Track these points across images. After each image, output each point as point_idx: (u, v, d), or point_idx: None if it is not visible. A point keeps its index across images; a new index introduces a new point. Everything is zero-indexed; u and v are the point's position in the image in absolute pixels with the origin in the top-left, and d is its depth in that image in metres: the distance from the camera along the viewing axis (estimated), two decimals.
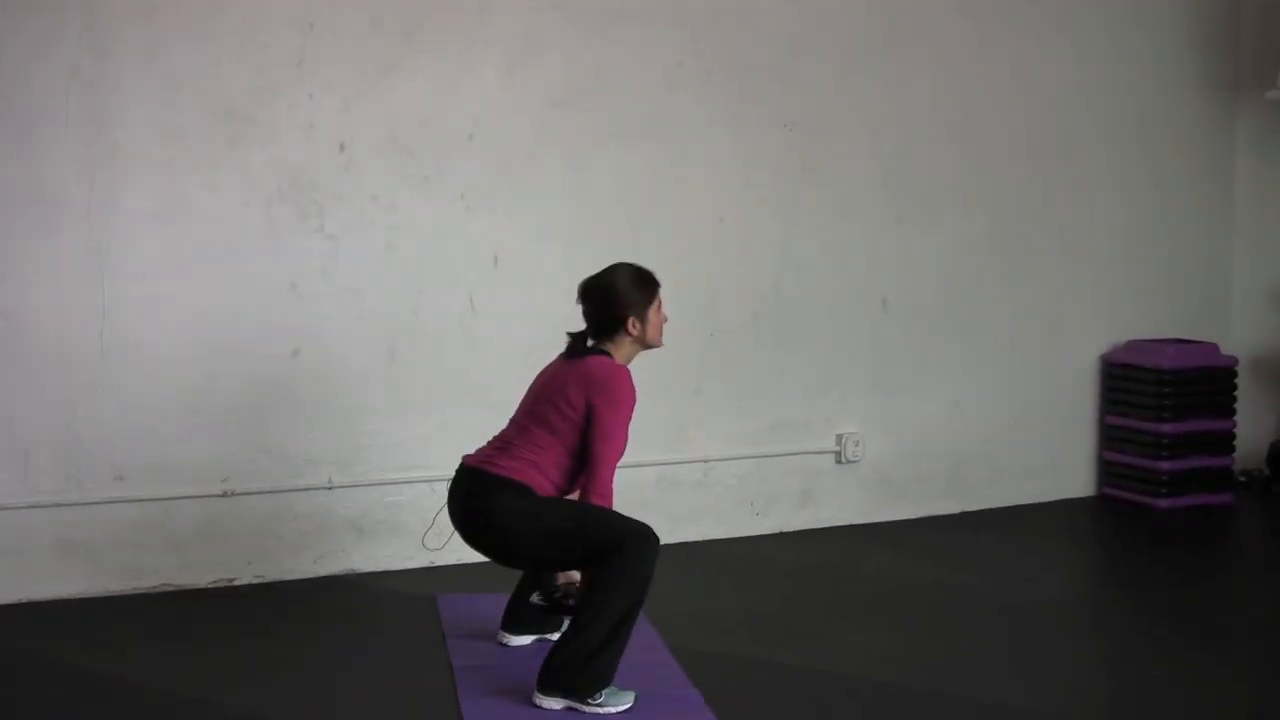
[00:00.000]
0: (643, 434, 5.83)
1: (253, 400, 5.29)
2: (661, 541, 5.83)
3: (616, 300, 4.26)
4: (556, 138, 5.65)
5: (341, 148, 5.36)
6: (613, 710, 4.05)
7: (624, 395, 4.18)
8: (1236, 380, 6.84)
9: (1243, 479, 7.00)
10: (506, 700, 4.14)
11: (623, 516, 4.14)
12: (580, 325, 4.38)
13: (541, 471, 4.16)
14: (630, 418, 4.21)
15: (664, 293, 5.85)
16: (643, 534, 4.07)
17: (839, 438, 6.31)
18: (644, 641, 4.64)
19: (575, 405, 4.15)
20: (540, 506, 4.13)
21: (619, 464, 4.21)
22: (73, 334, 5.04)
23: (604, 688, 4.05)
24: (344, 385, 5.42)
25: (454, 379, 5.50)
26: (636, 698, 4.10)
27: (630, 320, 4.26)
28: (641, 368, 5.78)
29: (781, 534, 6.17)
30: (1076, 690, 4.39)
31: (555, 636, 4.45)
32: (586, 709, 4.04)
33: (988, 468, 6.65)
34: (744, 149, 6.06)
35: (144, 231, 5.12)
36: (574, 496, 4.26)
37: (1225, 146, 7.20)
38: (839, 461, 6.32)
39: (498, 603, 4.86)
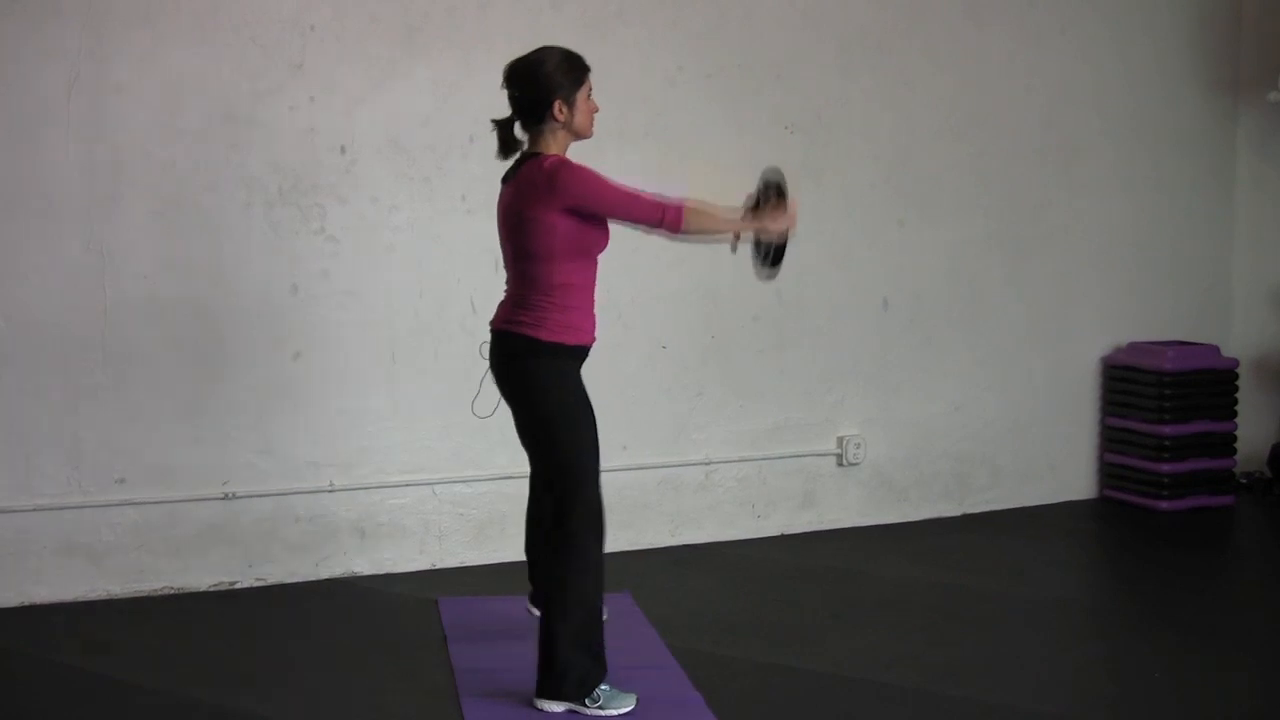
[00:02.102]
0: (644, 436, 5.88)
1: (254, 403, 5.29)
2: (663, 544, 5.89)
3: (542, 82, 4.02)
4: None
5: (342, 150, 5.36)
6: (613, 713, 4.04)
7: (577, 176, 3.97)
8: (1238, 382, 6.84)
9: (1244, 481, 6.99)
10: (508, 703, 4.13)
11: (594, 485, 4.06)
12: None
13: (560, 307, 4.03)
14: (601, 177, 4.00)
15: (664, 295, 5.89)
16: (587, 510, 4.02)
17: (840, 440, 6.31)
18: (645, 644, 4.64)
19: (541, 219, 3.97)
20: (559, 397, 4.04)
21: (642, 192, 4.03)
22: (74, 336, 5.05)
23: (596, 684, 4.04)
24: (345, 388, 5.42)
25: (455, 381, 5.49)
26: (637, 700, 4.10)
27: (557, 104, 4.03)
28: (642, 370, 5.81)
29: (783, 536, 6.17)
30: (1078, 692, 4.39)
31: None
32: (587, 711, 4.04)
33: (989, 470, 6.65)
34: (745, 151, 6.04)
35: (145, 233, 5.12)
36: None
37: (1226, 148, 7.20)
38: (840, 464, 6.32)
39: (499, 605, 4.88)
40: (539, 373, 4.05)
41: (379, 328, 5.46)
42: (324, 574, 5.41)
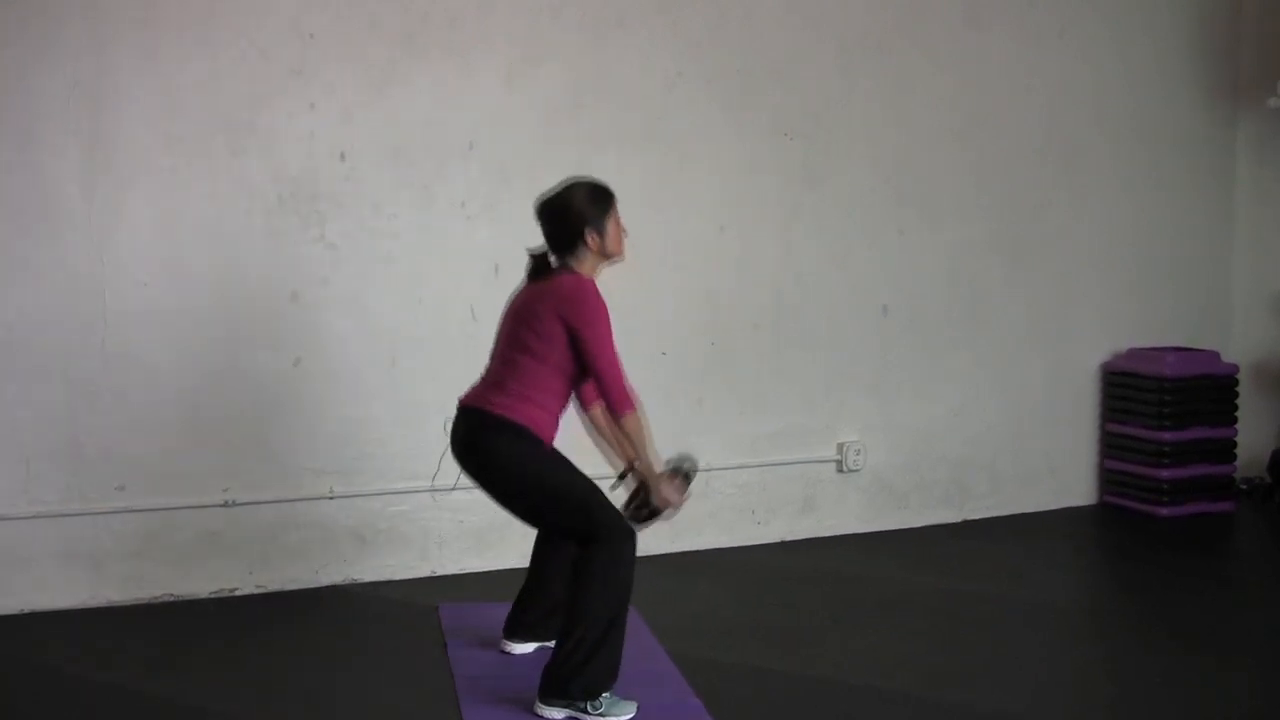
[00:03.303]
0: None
1: (254, 410, 5.29)
2: (664, 550, 5.88)
3: (573, 215, 4.25)
4: (557, 146, 5.66)
5: (342, 156, 5.37)
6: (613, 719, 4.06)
7: (595, 308, 4.16)
8: (1238, 388, 6.84)
9: (1244, 487, 7.00)
10: (508, 710, 4.13)
11: (606, 506, 4.15)
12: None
13: (536, 404, 4.18)
14: (609, 326, 4.18)
15: (664, 302, 5.90)
16: (622, 532, 4.12)
17: (840, 446, 6.31)
18: (645, 649, 4.64)
19: (550, 325, 4.15)
20: (535, 456, 4.17)
21: (622, 367, 4.21)
22: (74, 343, 5.05)
23: (603, 692, 4.06)
24: (345, 394, 5.42)
25: (455, 388, 5.46)
26: (638, 708, 4.10)
27: (589, 233, 4.24)
28: (643, 374, 5.79)
29: (783, 542, 6.17)
30: (1078, 697, 4.39)
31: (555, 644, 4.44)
32: (588, 717, 4.05)
33: (989, 476, 6.66)
34: (744, 157, 6.07)
35: (145, 240, 5.12)
36: (599, 411, 4.39)
37: (1226, 154, 7.21)
38: (840, 470, 6.33)
39: (499, 612, 4.86)
40: (507, 443, 4.17)
41: (379, 334, 5.46)
42: (324, 581, 5.41)
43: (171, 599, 5.20)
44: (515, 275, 5.59)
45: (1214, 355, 6.83)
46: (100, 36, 5.00)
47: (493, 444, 4.18)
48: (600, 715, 4.05)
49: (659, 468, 4.31)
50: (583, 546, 4.13)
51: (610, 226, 4.29)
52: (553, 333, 4.15)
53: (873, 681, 4.42)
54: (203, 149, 5.17)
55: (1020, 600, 5.35)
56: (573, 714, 4.07)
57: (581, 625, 4.02)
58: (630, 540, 4.13)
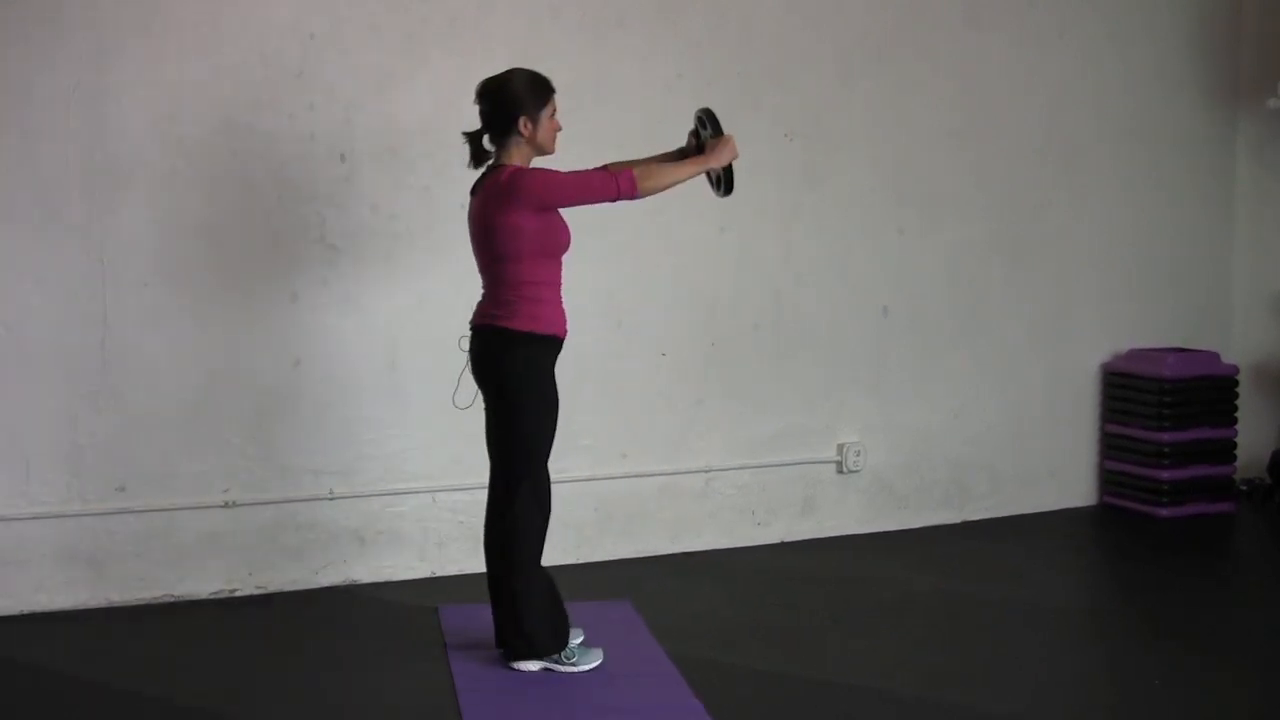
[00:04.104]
0: (644, 443, 5.88)
1: (254, 411, 5.30)
2: (664, 551, 5.88)
3: (509, 98, 4.33)
4: (556, 147, 5.65)
5: (342, 158, 5.37)
6: (585, 667, 4.41)
7: (537, 178, 4.28)
8: (1238, 389, 6.84)
9: (1244, 488, 6.99)
10: (509, 711, 4.13)
11: (536, 457, 4.42)
12: None
13: (532, 300, 4.34)
14: (556, 174, 4.31)
15: (664, 303, 5.89)
16: (532, 488, 4.39)
17: (840, 447, 6.31)
18: (645, 651, 4.64)
19: (506, 223, 4.27)
20: (534, 379, 4.37)
21: (590, 175, 4.37)
22: (74, 344, 5.05)
23: (556, 631, 4.40)
24: (345, 395, 5.42)
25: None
26: (636, 705, 4.21)
27: (522, 120, 4.33)
28: (642, 378, 5.81)
29: (783, 544, 6.17)
30: (1078, 698, 4.39)
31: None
32: (561, 669, 4.40)
33: (989, 477, 6.66)
34: (744, 158, 6.01)
35: (145, 241, 5.12)
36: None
37: (1226, 155, 7.21)
38: (840, 471, 6.32)
39: None
40: (515, 362, 4.36)
41: (378, 335, 5.46)
42: (324, 582, 5.41)
43: (171, 599, 5.20)
44: None
45: (1214, 356, 6.83)
46: (101, 37, 5.00)
47: (504, 363, 4.37)
48: (574, 664, 4.40)
49: (692, 156, 4.51)
50: (506, 497, 4.41)
51: (545, 119, 4.37)
52: (511, 229, 4.27)
53: (873, 682, 4.42)
54: (203, 149, 5.17)
55: (1020, 601, 5.35)
56: (546, 665, 4.42)
57: (510, 589, 4.40)
58: (537, 499, 4.40)
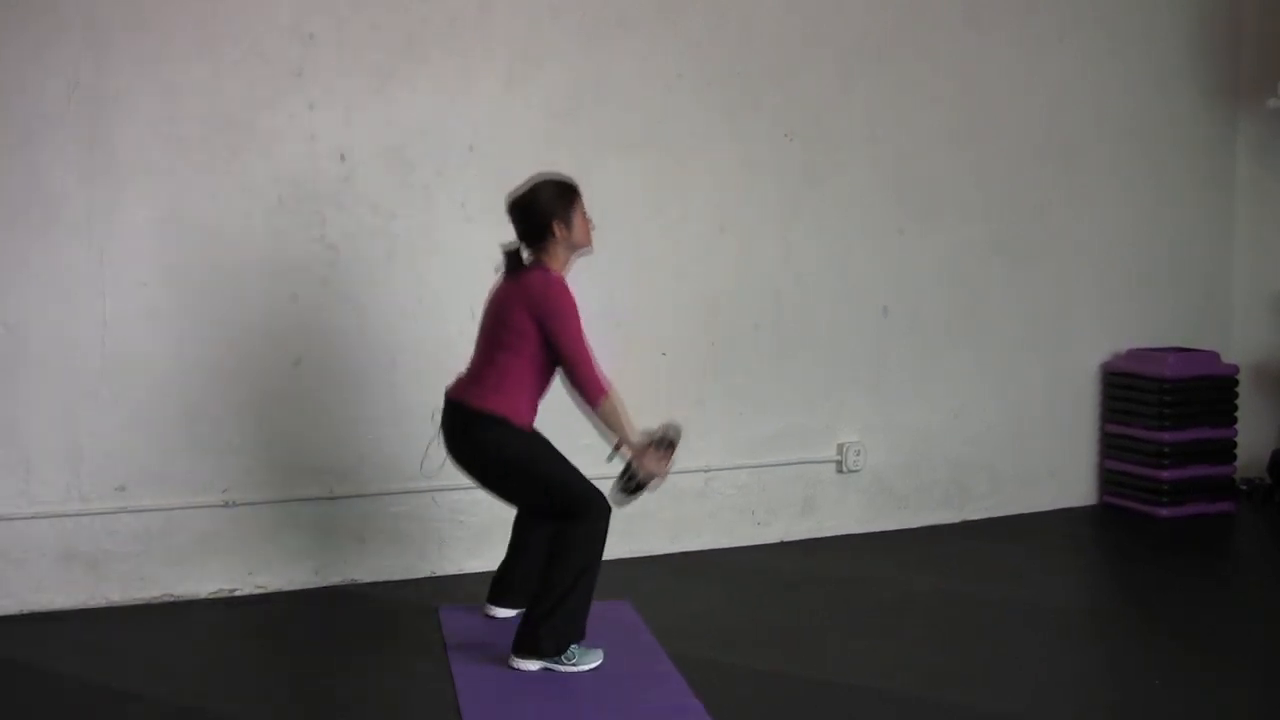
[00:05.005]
0: None
1: (254, 410, 5.30)
2: (663, 551, 5.89)
3: (540, 210, 4.50)
4: (556, 148, 5.66)
5: (342, 158, 5.37)
6: (585, 667, 4.41)
7: (563, 302, 4.42)
8: (1238, 389, 6.84)
9: (1244, 488, 7.00)
10: (508, 712, 4.13)
11: (582, 482, 4.46)
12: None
13: (512, 395, 4.46)
14: (578, 318, 4.43)
15: (664, 303, 5.90)
16: (599, 505, 4.43)
17: (840, 447, 6.31)
18: (645, 651, 4.64)
19: (522, 322, 4.43)
20: (518, 445, 4.46)
21: (593, 357, 4.44)
22: (74, 344, 5.05)
23: (570, 643, 4.41)
24: (345, 395, 5.42)
25: None
26: (630, 692, 4.27)
27: (556, 226, 4.49)
28: (643, 377, 5.80)
29: (783, 543, 6.17)
30: (1078, 698, 4.39)
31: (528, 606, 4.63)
32: (560, 669, 4.39)
33: (988, 476, 6.66)
34: (744, 158, 6.07)
35: (145, 241, 5.12)
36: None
37: (1226, 155, 7.21)
38: (840, 470, 6.33)
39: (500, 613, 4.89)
40: (491, 435, 4.46)
41: (378, 335, 5.46)
42: (324, 582, 5.41)
43: (171, 599, 5.20)
44: None
45: (1214, 355, 6.83)
46: (101, 37, 5.00)
47: (477, 436, 4.47)
48: (574, 665, 4.40)
49: (643, 439, 4.50)
50: (561, 521, 4.44)
51: (576, 219, 4.54)
52: (525, 328, 4.42)
53: (873, 682, 4.42)
54: (203, 149, 5.17)
55: (1020, 601, 5.35)
56: (546, 665, 4.40)
57: (555, 589, 4.38)
58: (605, 514, 4.44)
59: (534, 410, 4.55)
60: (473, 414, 4.46)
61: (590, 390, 4.40)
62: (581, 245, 4.58)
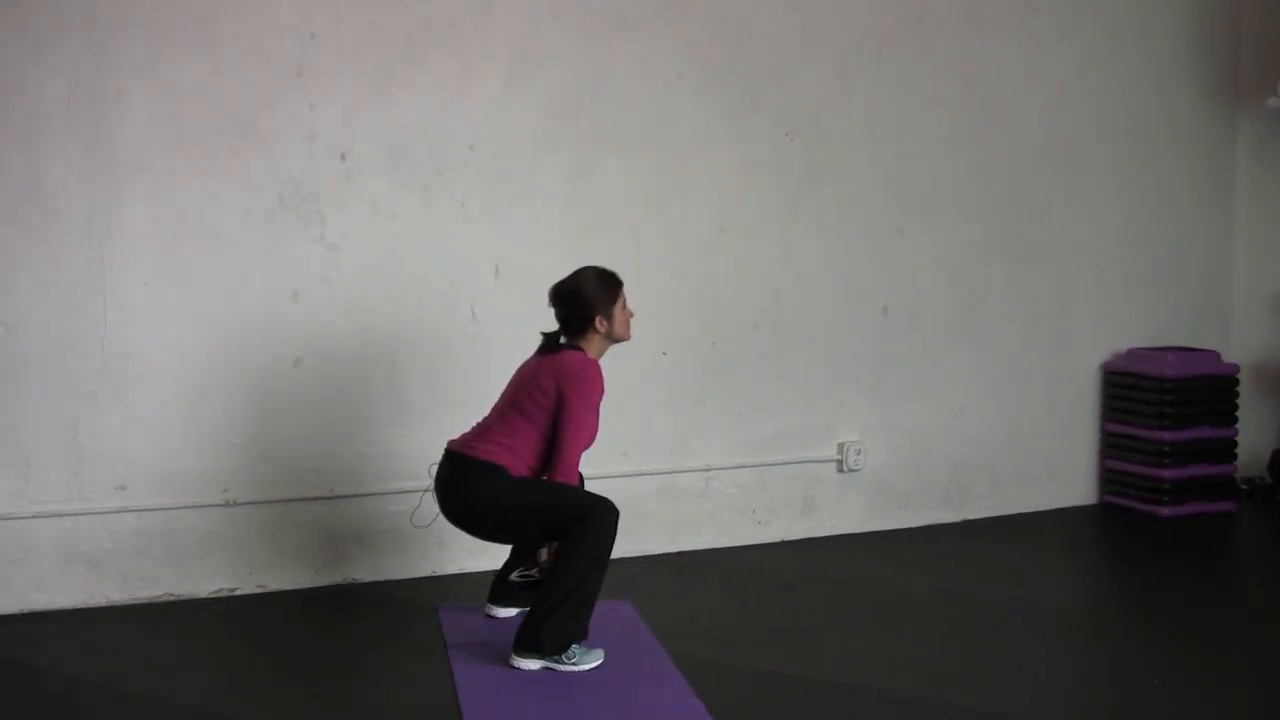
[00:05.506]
0: (644, 444, 5.88)
1: (254, 409, 5.30)
2: (663, 550, 5.89)
3: (584, 301, 4.63)
4: (557, 148, 5.66)
5: (342, 157, 5.37)
6: (585, 666, 4.41)
7: (593, 385, 4.55)
8: (1238, 388, 6.84)
9: (1245, 487, 7.00)
10: (509, 712, 4.13)
11: (587, 492, 4.56)
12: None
13: (515, 454, 4.53)
14: (598, 408, 4.57)
15: (665, 303, 5.90)
16: (605, 506, 4.45)
17: (840, 446, 6.31)
18: (645, 651, 4.64)
19: (548, 393, 4.52)
20: (512, 484, 4.50)
21: (586, 450, 4.60)
22: (74, 343, 5.05)
23: (572, 643, 4.42)
24: (346, 395, 5.42)
25: (455, 388, 5.49)
26: (632, 697, 4.24)
27: (598, 319, 4.63)
28: (642, 377, 5.80)
29: (783, 543, 6.17)
30: (1078, 698, 4.39)
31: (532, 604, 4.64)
32: (561, 668, 4.40)
33: (989, 476, 6.66)
34: (744, 158, 6.07)
35: (145, 241, 5.12)
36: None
37: (1226, 154, 7.21)
38: (840, 470, 6.33)
39: (500, 613, 4.89)
40: (484, 482, 4.51)
41: (379, 334, 5.46)
42: (324, 581, 5.41)
43: (172, 599, 5.20)
44: (515, 276, 5.64)
45: (1214, 355, 6.83)
46: (101, 37, 5.00)
47: (471, 486, 4.52)
48: (575, 664, 4.40)
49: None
50: (576, 522, 4.43)
51: (618, 312, 4.68)
52: (548, 399, 4.53)
53: (873, 682, 4.42)
54: (203, 149, 5.17)
55: (1020, 601, 5.35)
56: (547, 664, 4.41)
57: (556, 582, 4.40)
58: (613, 515, 4.45)
59: (529, 474, 4.57)
60: (469, 462, 4.52)
61: (567, 473, 4.50)
62: (621, 339, 4.71)
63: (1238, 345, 7.17)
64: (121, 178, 5.07)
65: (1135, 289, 7.00)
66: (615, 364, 5.69)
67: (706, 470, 6.05)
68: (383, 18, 5.39)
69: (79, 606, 5.08)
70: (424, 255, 5.50)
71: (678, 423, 5.97)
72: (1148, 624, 5.17)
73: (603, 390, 4.58)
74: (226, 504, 5.28)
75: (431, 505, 4.70)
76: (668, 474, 5.96)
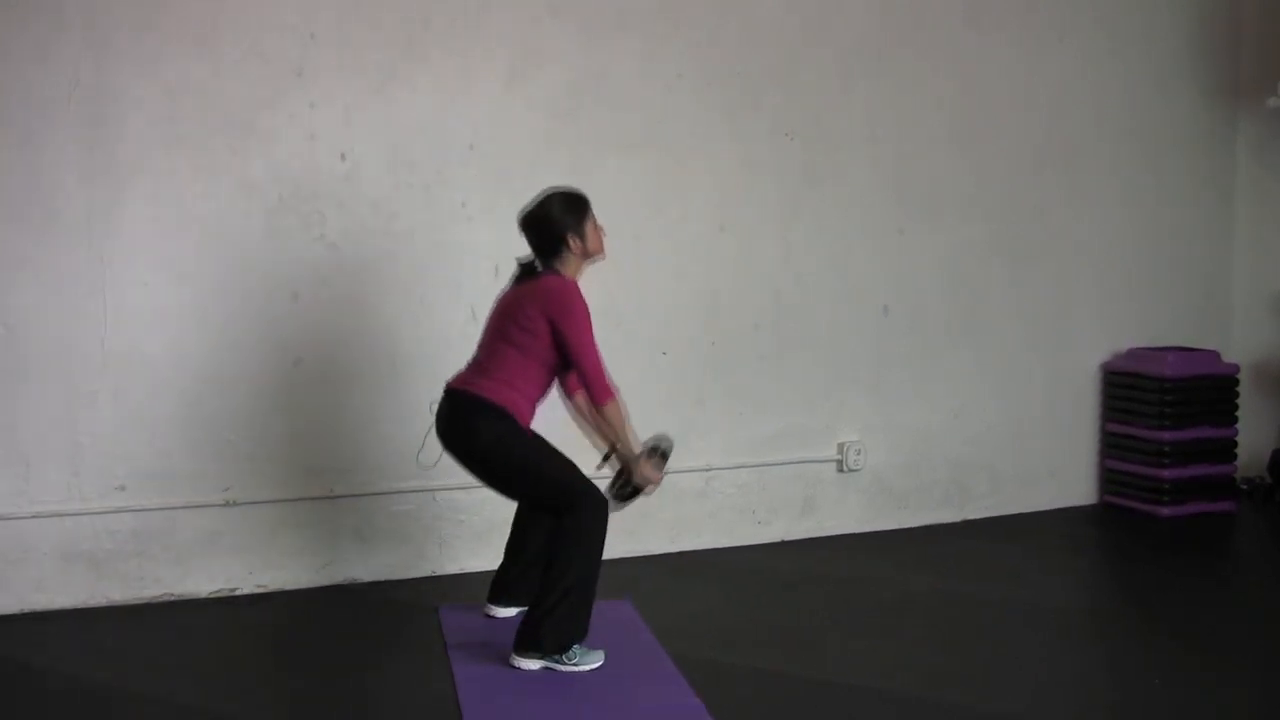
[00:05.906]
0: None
1: (255, 409, 5.30)
2: (663, 550, 5.89)
3: (553, 223, 4.59)
4: (557, 147, 5.66)
5: (343, 157, 5.37)
6: (585, 667, 4.41)
7: (577, 306, 4.50)
8: (1238, 388, 6.84)
9: (1245, 487, 7.00)
10: (509, 712, 4.13)
11: (579, 478, 4.50)
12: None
13: (515, 390, 4.52)
14: (590, 322, 4.51)
15: (664, 303, 5.90)
16: (596, 500, 4.46)
17: (840, 446, 6.32)
18: (645, 650, 4.64)
19: (534, 320, 4.49)
20: (516, 436, 4.50)
21: (602, 361, 4.53)
22: (74, 343, 5.05)
23: (572, 643, 4.42)
24: (346, 394, 5.42)
25: None
26: (634, 700, 4.22)
27: (570, 238, 4.58)
28: (643, 377, 5.81)
29: (783, 543, 6.17)
30: (1078, 698, 4.39)
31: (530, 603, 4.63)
32: (561, 668, 4.40)
33: (989, 476, 6.66)
34: (744, 158, 6.07)
35: (145, 240, 5.12)
36: (581, 399, 4.71)
37: (1226, 154, 7.21)
38: (840, 470, 6.33)
39: (501, 613, 4.89)
40: (488, 424, 4.49)
41: (379, 334, 5.46)
42: (324, 581, 5.41)
43: (171, 598, 5.21)
44: None
45: (1214, 355, 6.83)
46: (100, 37, 5.00)
47: (474, 424, 4.49)
48: (575, 664, 4.41)
49: (637, 449, 4.58)
50: (559, 516, 4.45)
51: (589, 229, 4.62)
52: (536, 328, 4.49)
53: (872, 682, 4.42)
54: (203, 149, 5.17)
55: (1020, 601, 5.35)
56: (547, 664, 4.42)
57: (552, 583, 4.39)
58: (603, 508, 4.47)
59: (533, 411, 4.59)
60: (472, 401, 4.50)
61: (600, 391, 4.48)
62: (595, 254, 4.66)
63: (1238, 345, 7.18)
64: (121, 178, 5.07)
65: (1135, 289, 7.00)
66: (615, 364, 5.69)
67: (706, 470, 6.05)
68: (383, 18, 5.40)
69: (79, 606, 5.08)
70: (424, 255, 5.50)
71: (678, 423, 5.94)
72: (1148, 624, 5.17)
73: (587, 307, 4.51)
74: (226, 504, 5.28)
75: (437, 445, 4.67)
76: (668, 473, 5.91)
